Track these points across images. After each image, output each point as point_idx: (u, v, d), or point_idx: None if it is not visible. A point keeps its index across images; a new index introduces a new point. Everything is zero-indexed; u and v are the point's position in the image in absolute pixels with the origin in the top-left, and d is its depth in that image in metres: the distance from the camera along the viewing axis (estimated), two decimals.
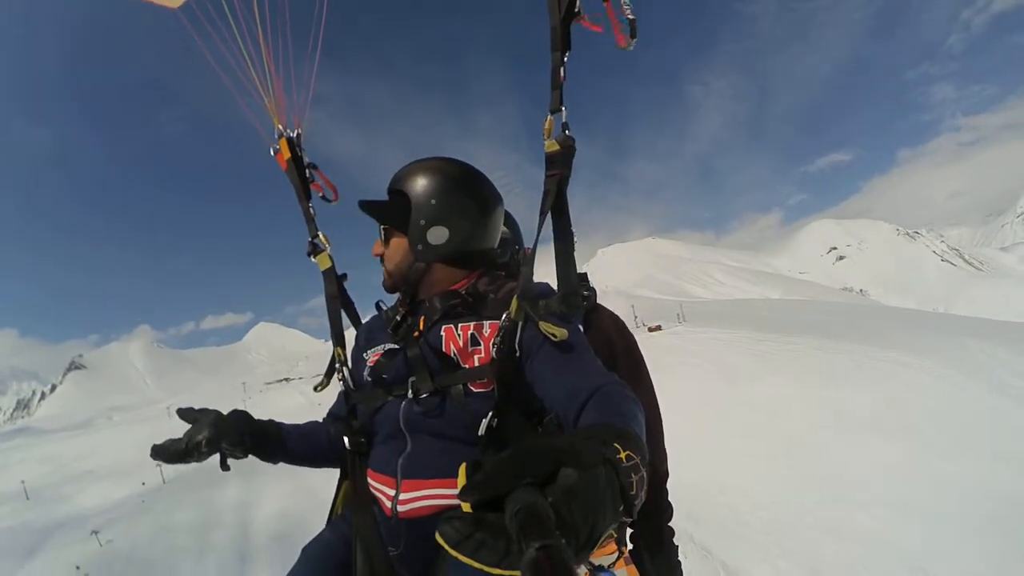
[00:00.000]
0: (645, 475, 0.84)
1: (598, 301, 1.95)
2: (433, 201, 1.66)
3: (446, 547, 0.69)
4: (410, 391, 1.59)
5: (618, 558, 1.61)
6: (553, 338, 1.39)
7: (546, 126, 1.60)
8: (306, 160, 2.08)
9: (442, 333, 1.63)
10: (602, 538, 0.73)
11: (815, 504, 7.52)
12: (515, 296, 1.51)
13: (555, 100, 1.59)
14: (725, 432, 10.56)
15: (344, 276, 1.99)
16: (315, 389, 1.95)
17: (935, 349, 13.40)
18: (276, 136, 2.06)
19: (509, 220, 2.47)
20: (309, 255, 2.00)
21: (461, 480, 0.75)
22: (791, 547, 6.70)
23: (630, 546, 1.89)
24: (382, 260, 1.83)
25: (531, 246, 1.72)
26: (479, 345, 1.59)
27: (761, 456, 9.27)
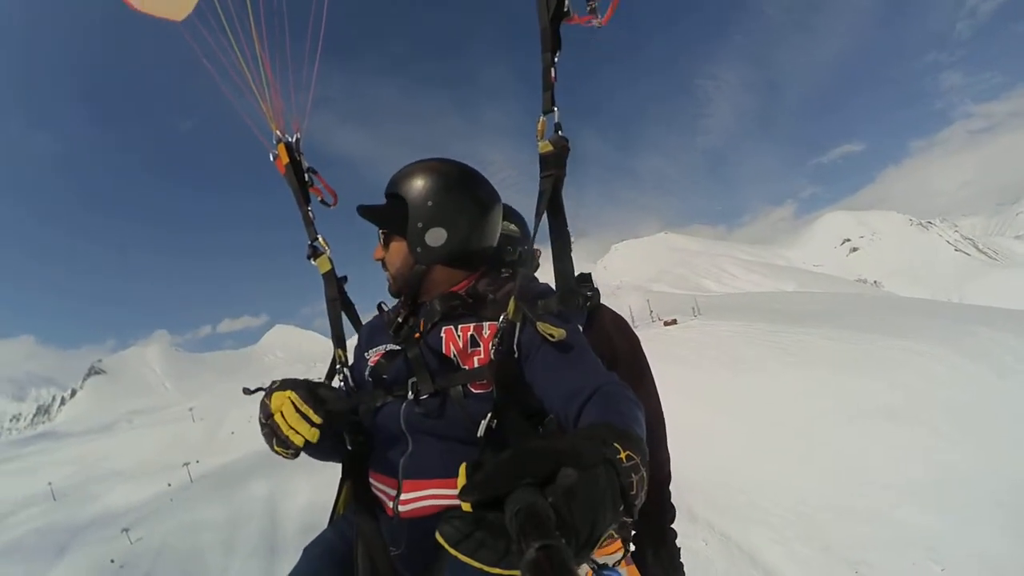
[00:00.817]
0: (645, 475, 0.86)
1: (607, 299, 1.93)
2: (430, 203, 1.66)
3: (446, 546, 0.73)
4: (410, 392, 1.58)
5: (622, 557, 1.63)
6: (551, 338, 1.39)
7: (539, 127, 1.62)
8: (305, 165, 2.07)
9: (442, 335, 1.63)
10: (602, 538, 0.74)
11: (828, 489, 7.75)
12: (512, 297, 1.51)
13: (547, 101, 1.62)
14: (741, 421, 10.80)
15: (344, 278, 2.02)
16: None
17: (946, 338, 13.53)
18: (274, 141, 2.06)
19: (517, 218, 2.45)
20: (309, 258, 2.00)
21: (461, 480, 0.76)
22: (804, 530, 6.95)
23: (633, 547, 1.87)
24: (384, 265, 1.82)
25: (544, 246, 1.71)
26: (478, 346, 1.58)
27: (776, 444, 9.51)
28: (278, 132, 2.05)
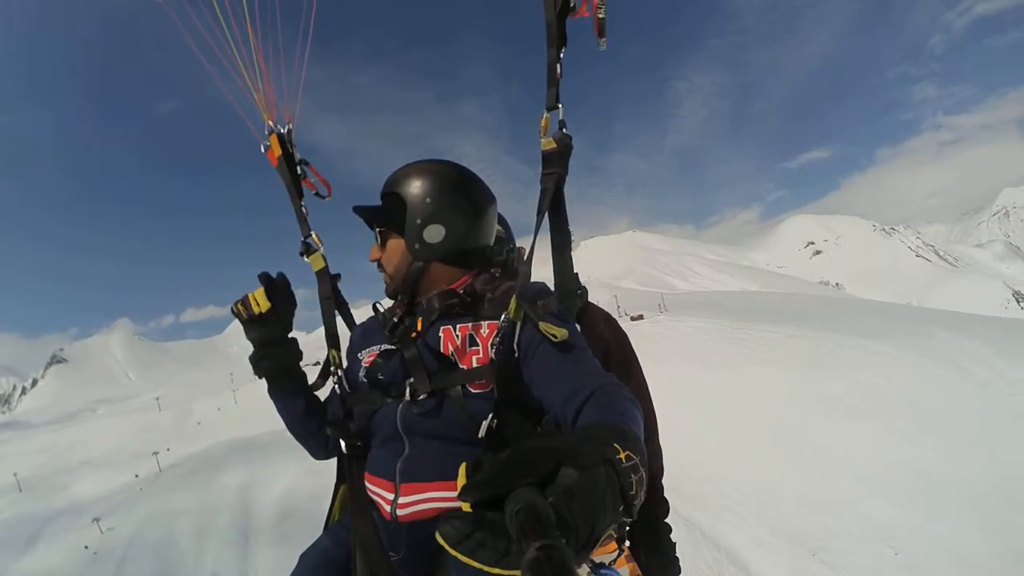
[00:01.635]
0: (645, 475, 0.86)
1: (587, 289, 1.91)
2: (428, 200, 1.65)
3: (446, 546, 0.72)
4: (407, 393, 1.56)
5: (618, 556, 1.62)
6: (553, 338, 1.37)
7: (542, 123, 1.61)
8: (298, 156, 2.01)
9: (440, 334, 1.61)
10: (602, 538, 0.74)
11: (791, 480, 8.00)
12: (514, 296, 1.48)
13: (551, 97, 1.60)
14: (706, 414, 11.02)
15: (337, 276, 1.98)
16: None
17: (905, 338, 13.96)
18: (266, 132, 1.99)
19: (499, 217, 2.37)
20: (302, 255, 1.97)
21: (461, 480, 0.77)
22: (769, 518, 7.17)
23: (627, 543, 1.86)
24: (380, 266, 1.81)
25: (528, 245, 1.66)
26: (477, 345, 1.57)
27: (740, 436, 9.77)
28: (270, 122, 1.99)
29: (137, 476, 19.10)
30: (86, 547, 12.51)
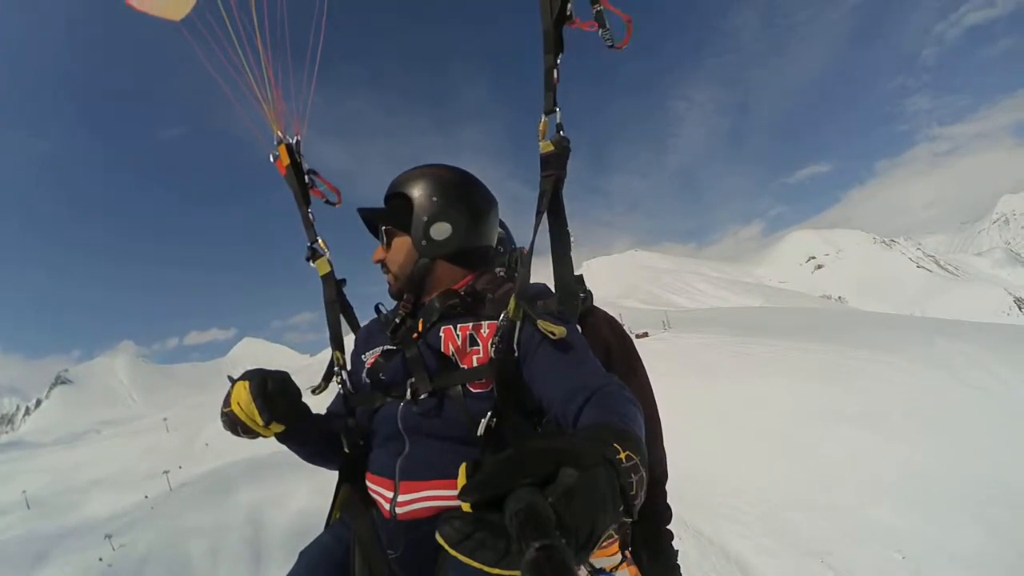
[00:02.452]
0: (645, 476, 0.86)
1: (591, 293, 1.91)
2: (435, 198, 1.68)
3: (446, 546, 0.72)
4: (408, 392, 1.57)
5: (621, 561, 1.61)
6: (552, 336, 1.37)
7: (540, 127, 1.62)
8: (306, 166, 2.07)
9: (441, 334, 1.62)
10: (602, 538, 0.74)
11: (795, 487, 8.14)
12: (513, 296, 1.49)
13: (548, 101, 1.61)
14: (712, 426, 11.21)
15: (343, 281, 2.01)
16: (312, 392, 1.93)
17: (905, 347, 14.16)
18: (275, 143, 2.04)
19: (499, 221, 2.31)
20: (308, 260, 1.99)
21: (461, 480, 0.77)
22: (775, 526, 7.30)
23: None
24: (384, 267, 1.82)
25: (528, 246, 1.66)
26: (477, 345, 1.57)
27: (744, 446, 9.93)
28: (279, 133, 2.04)
29: (147, 497, 19.13)
30: (100, 559, 12.58)
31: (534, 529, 0.63)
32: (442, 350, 1.59)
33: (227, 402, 1.56)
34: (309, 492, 12.18)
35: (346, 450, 1.73)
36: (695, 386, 14.18)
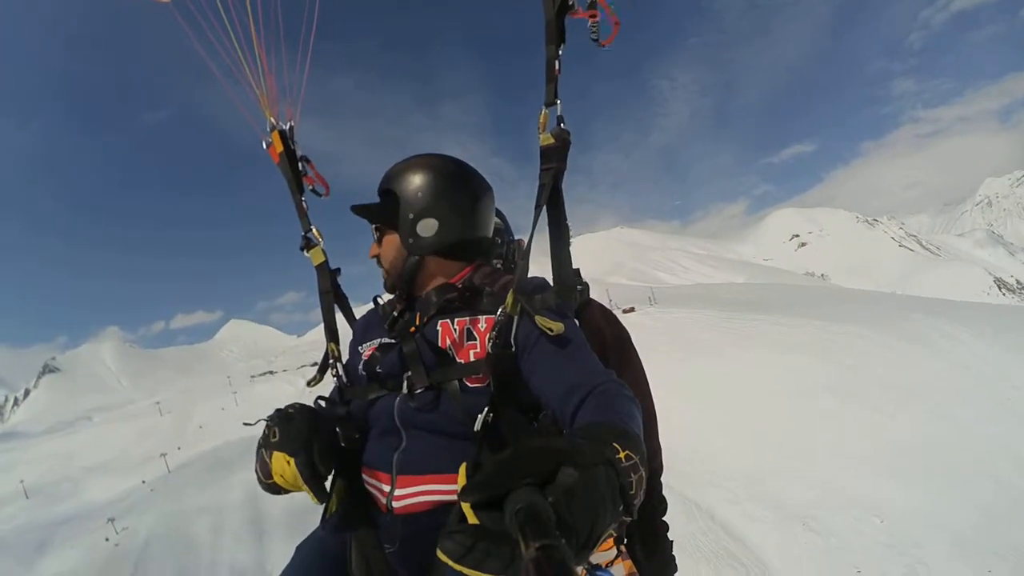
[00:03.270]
0: (644, 475, 0.86)
1: (588, 285, 1.91)
2: (420, 194, 1.66)
3: (449, 563, 0.73)
4: (404, 386, 1.56)
5: (616, 556, 1.62)
6: (550, 332, 1.36)
7: (541, 119, 1.61)
8: (299, 153, 2.03)
9: (438, 328, 1.60)
10: (602, 538, 0.74)
11: (778, 457, 8.46)
12: (511, 290, 1.47)
13: (550, 93, 1.60)
14: (696, 398, 11.54)
15: (337, 271, 1.98)
16: (308, 384, 1.91)
17: (885, 322, 14.51)
18: (268, 129, 2.00)
19: (496, 211, 2.34)
20: (302, 249, 1.96)
21: (461, 480, 0.77)
22: (757, 492, 7.63)
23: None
24: (379, 262, 1.81)
25: (526, 240, 1.64)
26: (474, 340, 1.56)
27: (729, 417, 10.27)
28: (272, 119, 1.99)
29: (144, 482, 19.13)
30: (107, 539, 12.72)
31: (534, 529, 0.64)
32: (439, 344, 1.58)
33: (267, 473, 1.53)
34: None
35: (342, 443, 1.68)
36: (681, 359, 14.49)
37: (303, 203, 1.98)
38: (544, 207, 1.61)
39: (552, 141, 1.60)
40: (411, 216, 1.66)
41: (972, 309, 17.41)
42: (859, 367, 11.49)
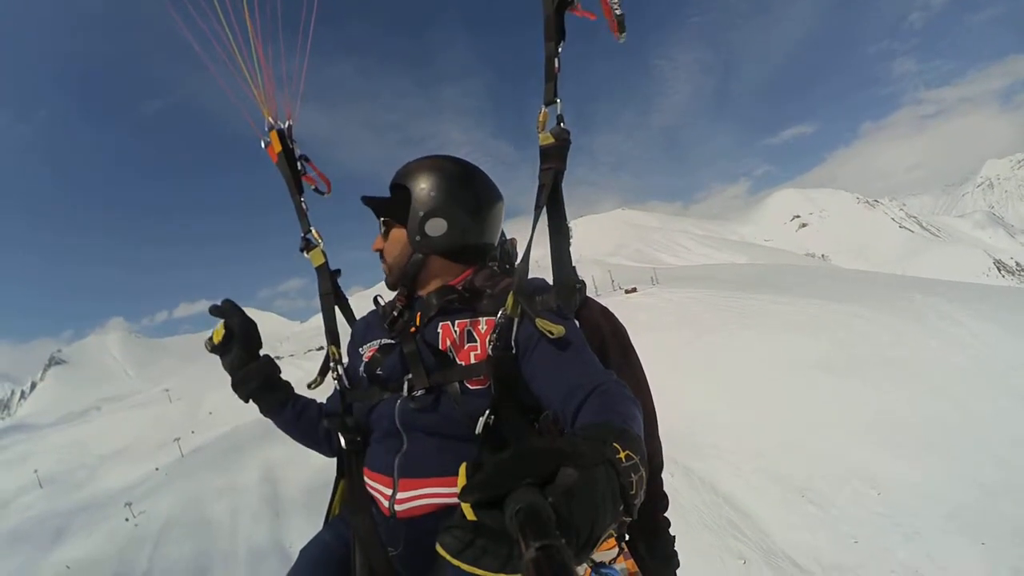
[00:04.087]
0: (645, 475, 0.86)
1: (584, 283, 1.85)
2: (432, 193, 1.65)
3: (448, 557, 0.73)
4: (405, 388, 1.55)
5: (618, 554, 1.59)
6: (550, 335, 1.36)
7: (540, 118, 1.58)
8: (298, 152, 2.00)
9: (439, 330, 1.60)
10: (602, 538, 0.74)
11: (779, 431, 8.70)
12: (511, 292, 1.47)
13: (549, 92, 1.57)
14: (698, 374, 11.82)
15: (337, 272, 1.96)
16: (308, 387, 1.92)
17: (883, 302, 14.72)
18: (266, 128, 1.97)
19: None
20: (302, 251, 1.95)
21: (461, 480, 0.76)
22: (759, 465, 7.87)
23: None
24: (382, 256, 1.80)
25: (526, 241, 1.63)
26: (475, 341, 1.55)
27: (731, 394, 10.51)
28: (270, 119, 1.97)
29: (158, 469, 19.27)
30: (127, 520, 12.96)
31: (534, 529, 0.63)
32: (439, 346, 1.58)
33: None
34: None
35: (343, 446, 1.72)
36: (684, 338, 14.69)
37: (302, 204, 1.97)
38: (544, 207, 1.60)
39: (552, 141, 1.59)
40: (421, 214, 1.67)
41: (970, 290, 17.62)
42: (858, 345, 11.71)
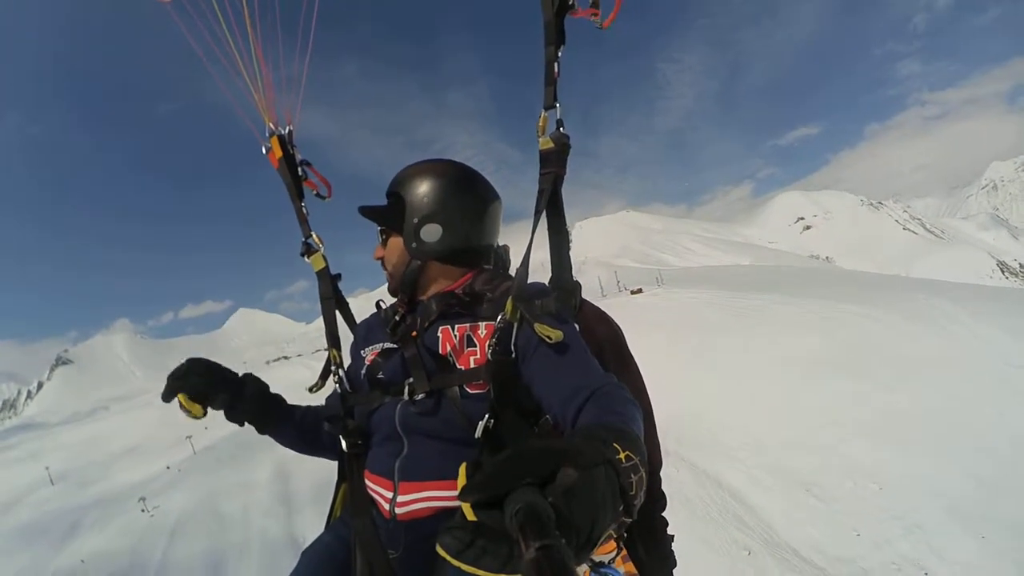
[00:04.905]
0: (644, 475, 0.86)
1: (575, 273, 1.86)
2: (426, 199, 1.66)
3: (447, 557, 0.73)
4: (406, 392, 1.56)
5: (617, 554, 1.61)
6: (549, 340, 1.36)
7: (540, 123, 1.58)
8: (299, 157, 1.99)
9: (439, 334, 1.61)
10: (602, 538, 0.74)
11: (783, 428, 8.87)
12: (510, 297, 1.47)
13: (549, 96, 1.58)
14: (703, 372, 12.01)
15: (338, 276, 1.96)
16: (309, 391, 1.90)
17: (887, 302, 14.79)
18: (267, 134, 1.97)
19: None
20: (303, 255, 1.94)
21: (461, 481, 0.76)
22: (763, 460, 8.04)
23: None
24: (383, 264, 1.82)
25: (524, 240, 1.59)
26: (474, 346, 1.56)
27: (736, 391, 10.69)
28: (271, 124, 1.97)
29: (169, 467, 19.49)
30: (142, 511, 13.13)
31: (534, 529, 0.63)
32: (439, 351, 1.59)
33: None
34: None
35: (344, 449, 1.72)
36: (689, 337, 14.88)
37: (303, 209, 1.96)
38: (544, 211, 1.61)
39: (551, 145, 1.60)
40: (415, 221, 1.67)
41: (973, 291, 17.69)
42: (861, 343, 11.83)
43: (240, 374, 1.86)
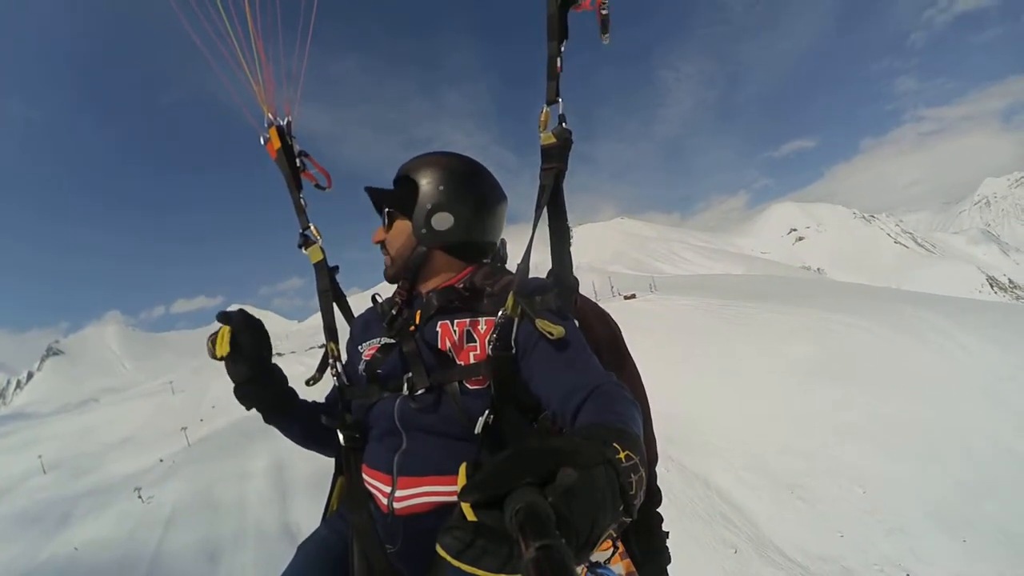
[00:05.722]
0: (644, 475, 0.85)
1: (579, 282, 1.82)
2: (441, 187, 1.64)
3: (448, 558, 0.72)
4: (405, 387, 1.52)
5: (613, 553, 1.60)
6: (550, 336, 1.34)
7: (542, 118, 1.58)
8: (297, 148, 1.96)
9: (438, 329, 1.57)
10: (602, 538, 0.74)
11: (770, 431, 9.11)
12: (511, 292, 1.44)
13: (551, 91, 1.57)
14: (695, 377, 12.30)
15: (336, 269, 1.92)
16: (307, 383, 1.83)
17: (876, 313, 15.10)
18: (265, 125, 1.94)
19: None
20: (300, 247, 1.91)
21: (461, 480, 0.76)
22: (751, 462, 8.24)
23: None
24: (383, 248, 1.77)
25: (525, 238, 1.59)
26: (474, 341, 1.52)
27: (725, 395, 10.96)
28: (269, 115, 1.93)
29: (162, 460, 19.46)
30: (139, 497, 13.15)
31: (534, 529, 0.63)
32: (439, 346, 1.56)
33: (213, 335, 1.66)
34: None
35: (342, 443, 1.69)
36: (681, 342, 15.13)
37: (301, 200, 1.92)
38: (545, 208, 1.61)
39: (553, 140, 1.58)
40: (428, 207, 1.64)
41: (960, 305, 17.97)
42: (850, 352, 12.15)
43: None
